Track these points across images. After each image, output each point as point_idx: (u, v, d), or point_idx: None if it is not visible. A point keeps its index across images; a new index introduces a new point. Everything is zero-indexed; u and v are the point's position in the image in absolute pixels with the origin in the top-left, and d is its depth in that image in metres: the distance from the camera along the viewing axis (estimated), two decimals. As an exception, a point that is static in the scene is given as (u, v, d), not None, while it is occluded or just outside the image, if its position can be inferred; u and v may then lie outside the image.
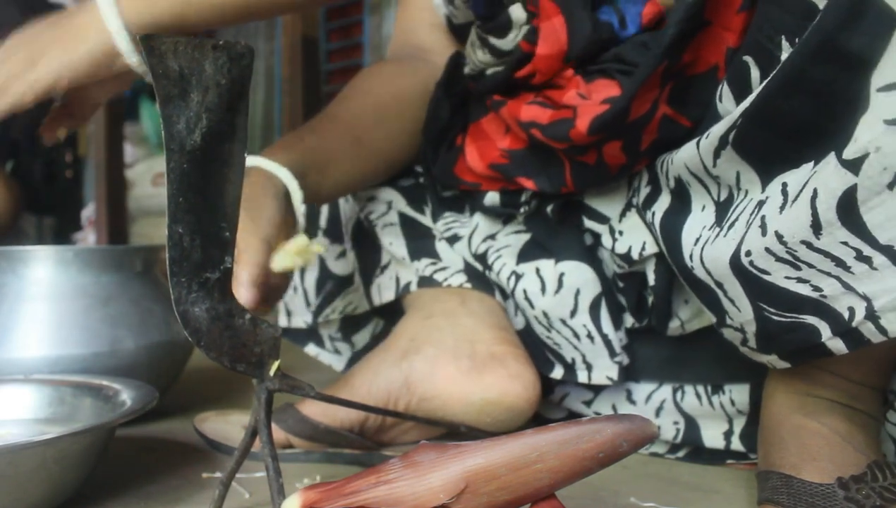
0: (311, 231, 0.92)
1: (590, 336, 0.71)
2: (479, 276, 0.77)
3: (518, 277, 0.73)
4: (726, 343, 0.60)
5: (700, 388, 0.72)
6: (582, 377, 0.73)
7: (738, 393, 0.70)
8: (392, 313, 0.87)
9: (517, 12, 0.65)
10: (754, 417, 0.68)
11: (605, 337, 0.71)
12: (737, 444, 0.70)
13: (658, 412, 0.73)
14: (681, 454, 0.73)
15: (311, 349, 0.95)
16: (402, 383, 0.69)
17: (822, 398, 0.56)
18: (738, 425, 0.70)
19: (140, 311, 0.82)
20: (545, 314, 0.72)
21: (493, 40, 0.68)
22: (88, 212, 2.41)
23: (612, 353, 0.71)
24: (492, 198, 0.75)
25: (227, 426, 0.75)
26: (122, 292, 0.82)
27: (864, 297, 0.45)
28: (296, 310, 0.93)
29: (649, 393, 0.74)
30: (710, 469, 0.70)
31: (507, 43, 0.68)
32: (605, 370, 0.72)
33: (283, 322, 0.94)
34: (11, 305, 0.77)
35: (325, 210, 0.90)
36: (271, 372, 0.51)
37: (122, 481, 0.64)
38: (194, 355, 0.88)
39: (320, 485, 0.42)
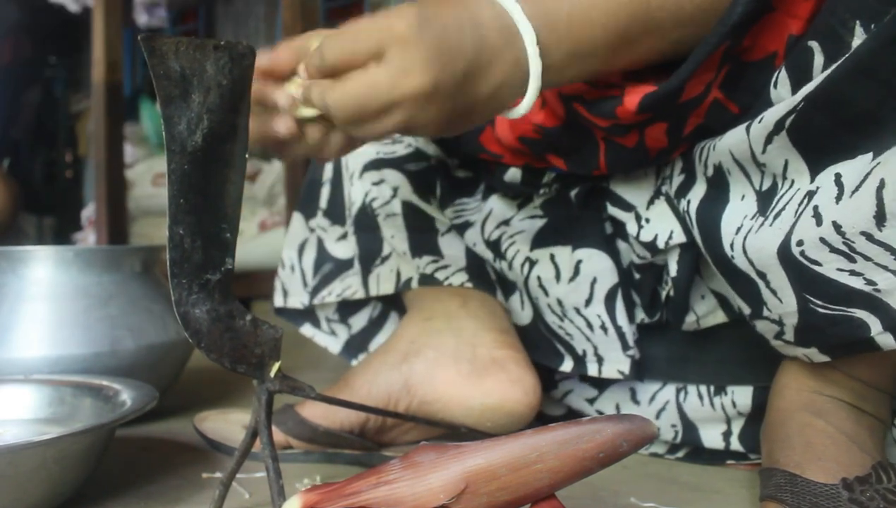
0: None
1: (603, 327, 0.70)
2: (481, 275, 0.76)
3: (532, 264, 0.73)
4: (732, 344, 0.59)
5: (703, 389, 0.71)
6: (592, 370, 0.72)
7: (741, 395, 0.69)
8: (392, 297, 0.86)
9: None
10: (754, 418, 0.68)
11: (619, 329, 0.70)
12: (736, 445, 0.70)
13: (660, 413, 0.73)
14: (680, 454, 0.73)
15: (306, 329, 0.94)
16: (402, 386, 0.69)
17: (832, 397, 0.56)
18: (737, 426, 0.70)
19: (140, 311, 0.82)
20: (559, 302, 0.71)
21: None
22: (88, 212, 2.41)
23: (626, 346, 0.70)
24: (513, 174, 0.74)
25: (228, 425, 0.75)
26: (122, 292, 0.82)
27: None
28: (292, 290, 0.92)
29: (653, 392, 0.74)
30: (710, 469, 0.70)
31: None
32: (616, 363, 0.71)
33: (278, 301, 0.93)
34: (11, 305, 0.78)
35: (325, 191, 0.89)
36: (272, 374, 0.51)
37: (122, 481, 0.64)
38: (194, 355, 0.88)
39: (321, 486, 0.42)
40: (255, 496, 0.61)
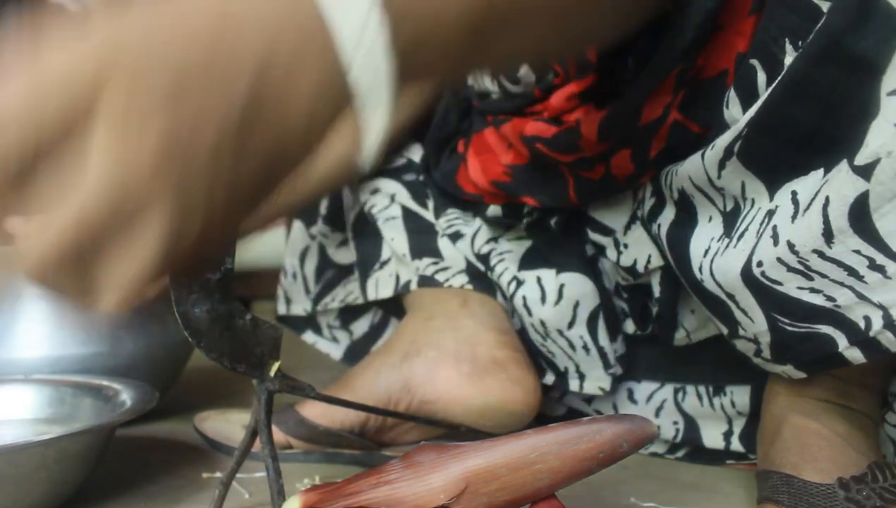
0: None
1: (585, 347, 0.71)
2: (481, 276, 0.76)
3: (519, 283, 0.73)
4: (727, 345, 0.59)
5: (702, 389, 0.72)
6: (574, 385, 0.73)
7: (740, 395, 0.69)
8: (392, 304, 0.86)
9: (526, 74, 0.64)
10: (754, 418, 0.68)
11: (600, 349, 0.71)
12: (736, 445, 0.70)
13: (658, 412, 0.73)
14: (680, 454, 0.73)
15: (308, 336, 0.94)
16: (402, 385, 0.69)
17: (823, 399, 0.56)
18: (738, 426, 0.70)
19: (140, 311, 0.82)
20: (543, 323, 0.72)
21: (504, 81, 0.67)
22: (88, 212, 2.42)
23: (607, 365, 0.71)
24: (494, 210, 0.75)
25: (228, 425, 0.75)
26: (122, 292, 0.82)
27: (880, 306, 0.45)
28: (295, 298, 0.92)
29: (651, 392, 0.74)
30: (710, 469, 0.70)
31: (517, 88, 0.66)
32: (597, 381, 0.72)
33: (281, 309, 0.93)
34: (11, 305, 0.78)
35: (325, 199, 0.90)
36: (271, 373, 0.51)
37: (122, 481, 0.64)
38: (194, 355, 0.88)
39: (321, 486, 0.42)
40: (255, 496, 0.61)
